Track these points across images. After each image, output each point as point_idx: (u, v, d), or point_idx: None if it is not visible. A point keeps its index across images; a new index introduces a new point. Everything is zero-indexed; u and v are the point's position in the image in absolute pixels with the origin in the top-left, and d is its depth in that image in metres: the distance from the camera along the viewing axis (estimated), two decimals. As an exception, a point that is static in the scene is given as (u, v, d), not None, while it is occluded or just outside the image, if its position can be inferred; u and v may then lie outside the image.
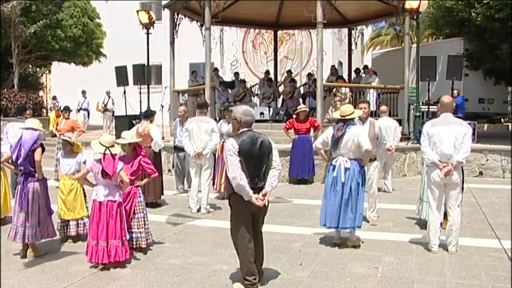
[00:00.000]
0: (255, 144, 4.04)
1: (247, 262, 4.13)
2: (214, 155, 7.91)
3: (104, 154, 4.83)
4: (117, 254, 4.76)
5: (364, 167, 5.50)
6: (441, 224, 5.45)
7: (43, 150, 5.27)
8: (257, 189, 4.06)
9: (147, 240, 5.34)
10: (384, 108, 9.32)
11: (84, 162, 5.52)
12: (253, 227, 4.20)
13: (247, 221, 4.13)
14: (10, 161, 5.63)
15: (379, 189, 7.30)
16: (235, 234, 4.20)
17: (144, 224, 5.34)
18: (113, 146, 4.91)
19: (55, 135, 10.60)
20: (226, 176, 4.10)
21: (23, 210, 5.07)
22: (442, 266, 4.84)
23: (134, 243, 5.22)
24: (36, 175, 5.14)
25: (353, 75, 15.70)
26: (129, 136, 5.31)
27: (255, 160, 4.04)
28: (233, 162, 3.97)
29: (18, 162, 5.11)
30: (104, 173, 4.79)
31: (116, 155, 4.90)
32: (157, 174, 5.63)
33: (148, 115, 7.60)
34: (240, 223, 4.14)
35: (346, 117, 5.41)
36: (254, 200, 3.99)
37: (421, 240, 5.67)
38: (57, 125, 10.33)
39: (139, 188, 5.38)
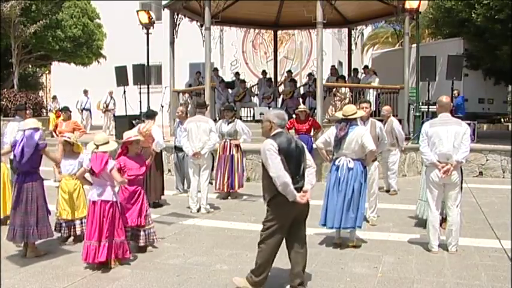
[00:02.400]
0: (291, 144, 4.05)
1: (266, 263, 4.11)
2: (213, 155, 7.92)
3: (93, 152, 4.84)
4: (109, 254, 4.74)
5: (366, 167, 5.51)
6: (441, 224, 5.46)
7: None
8: (298, 188, 4.01)
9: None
10: (389, 108, 9.14)
11: (85, 162, 5.55)
12: (295, 230, 4.15)
13: (286, 224, 4.07)
14: (9, 163, 5.63)
15: (379, 189, 7.28)
16: (268, 236, 4.08)
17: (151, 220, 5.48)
18: (105, 143, 4.89)
19: (56, 135, 10.54)
20: (268, 177, 3.95)
21: (21, 209, 5.06)
22: (442, 266, 4.84)
23: (147, 239, 5.32)
24: (55, 166, 5.27)
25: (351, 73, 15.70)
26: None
27: (295, 159, 4.03)
28: (274, 161, 3.90)
29: (21, 162, 5.06)
30: (91, 171, 4.81)
31: (105, 152, 4.86)
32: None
33: (151, 115, 7.59)
34: (277, 226, 4.04)
35: (348, 117, 5.41)
36: (299, 199, 3.96)
37: (421, 240, 5.66)
38: (56, 126, 10.25)
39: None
